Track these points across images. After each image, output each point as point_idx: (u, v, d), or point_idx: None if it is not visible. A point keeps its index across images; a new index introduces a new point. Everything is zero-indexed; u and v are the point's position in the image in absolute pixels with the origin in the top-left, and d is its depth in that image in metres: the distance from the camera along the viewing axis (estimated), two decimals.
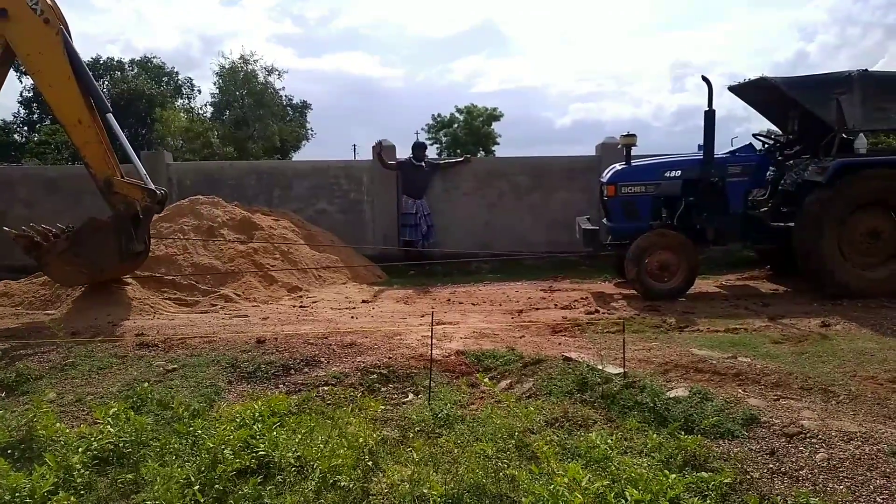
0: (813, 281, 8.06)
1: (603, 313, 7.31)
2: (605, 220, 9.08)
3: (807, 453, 3.44)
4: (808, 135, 8.64)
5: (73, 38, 7.06)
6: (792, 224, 8.06)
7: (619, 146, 8.93)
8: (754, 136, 9.15)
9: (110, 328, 6.53)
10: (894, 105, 8.02)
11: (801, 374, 4.58)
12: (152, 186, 7.12)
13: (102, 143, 7.09)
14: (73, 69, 6.89)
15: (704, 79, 8.02)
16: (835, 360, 4.97)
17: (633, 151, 8.93)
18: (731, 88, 9.15)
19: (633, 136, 8.81)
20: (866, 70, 7.98)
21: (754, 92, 9.09)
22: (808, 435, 3.60)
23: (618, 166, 8.91)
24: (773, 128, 10.02)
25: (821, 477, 3.24)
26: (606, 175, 8.94)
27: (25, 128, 37.56)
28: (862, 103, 7.88)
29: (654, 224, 8.49)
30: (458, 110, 38.84)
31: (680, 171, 8.47)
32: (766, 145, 9.09)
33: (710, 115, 8.13)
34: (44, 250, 7.03)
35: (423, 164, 12.40)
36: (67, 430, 3.85)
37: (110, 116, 7.21)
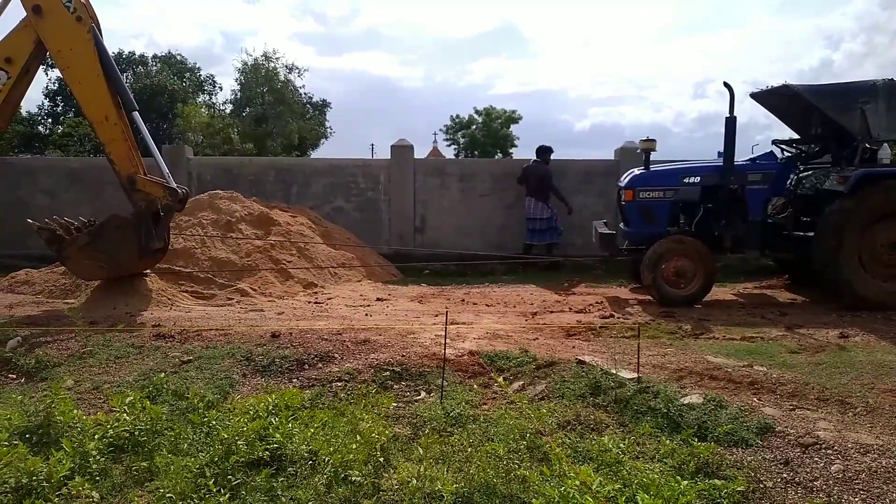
0: (831, 291, 7.95)
1: (618, 318, 7.27)
2: (622, 225, 9.03)
3: (822, 464, 3.40)
4: (831, 144, 8.54)
5: (102, 34, 7.17)
6: (811, 234, 7.95)
7: (639, 151, 8.89)
8: (774, 143, 9.05)
9: (128, 318, 6.61)
10: None
11: (818, 385, 4.53)
12: (174, 185, 7.21)
13: (127, 141, 7.19)
14: (102, 67, 7.00)
15: (726, 85, 7.96)
16: (853, 371, 4.90)
17: (652, 156, 8.88)
18: (754, 95, 9.05)
19: (653, 140, 8.75)
20: (892, 79, 7.88)
21: (776, 99, 8.99)
22: (823, 446, 3.56)
23: (636, 171, 8.86)
24: (795, 136, 9.91)
25: (836, 489, 3.20)
26: (625, 179, 8.89)
27: (50, 120, 38.11)
28: (887, 113, 7.78)
29: (672, 230, 8.43)
30: (477, 112, 38.89)
31: (699, 178, 8.40)
32: (787, 154, 9.00)
33: (730, 122, 8.06)
34: (65, 244, 7.14)
35: (547, 166, 12.16)
36: (84, 417, 3.91)
37: (136, 114, 7.31)
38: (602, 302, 8.34)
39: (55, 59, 7.07)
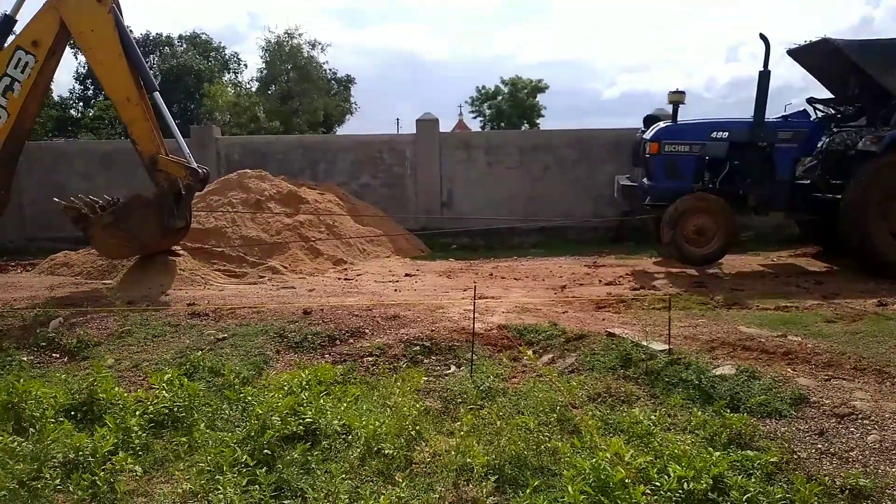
0: (856, 257, 7.73)
1: (648, 290, 7.21)
2: (644, 180, 8.78)
3: (858, 434, 3.36)
4: (867, 104, 8.24)
5: (123, 14, 7.23)
6: (840, 196, 7.68)
7: (669, 102, 8.64)
8: (809, 101, 8.72)
9: (163, 298, 6.76)
10: None
11: (855, 354, 4.45)
12: (195, 165, 7.29)
13: (149, 121, 7.27)
14: (122, 47, 7.06)
15: (762, 36, 7.67)
16: (891, 340, 4.79)
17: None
18: (791, 52, 8.71)
19: (682, 93, 8.51)
20: None
21: (814, 57, 8.63)
22: (859, 416, 3.51)
23: (662, 123, 8.63)
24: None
25: (872, 459, 3.16)
26: (650, 132, 8.64)
27: (81, 103, 38.70)
28: None
29: (696, 186, 8.21)
30: (503, 82, 38.34)
31: (727, 133, 8.17)
32: (821, 113, 8.69)
33: (764, 76, 7.82)
34: (90, 222, 7.28)
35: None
36: (125, 395, 4.03)
37: (157, 95, 7.38)
38: (632, 274, 8.27)
39: (77, 41, 7.15)
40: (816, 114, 8.67)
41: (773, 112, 8.27)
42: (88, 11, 6.98)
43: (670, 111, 8.76)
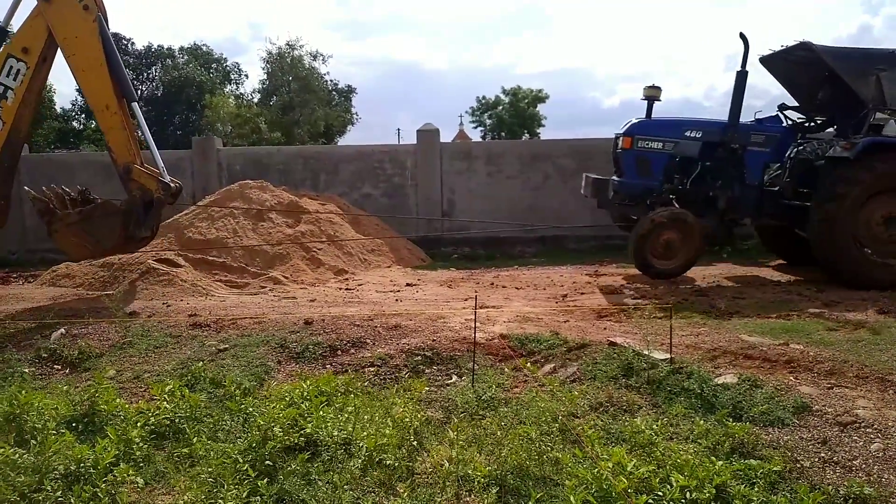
0: (826, 264, 7.70)
1: (650, 298, 7.20)
2: (615, 177, 8.67)
3: (861, 443, 3.35)
4: (837, 113, 8.26)
5: (108, 23, 7.25)
6: (808, 203, 7.66)
7: (644, 97, 8.54)
8: (780, 108, 8.66)
9: (165, 309, 6.76)
10: None
11: (857, 363, 4.44)
12: (167, 179, 7.31)
13: (126, 130, 7.28)
14: (105, 56, 7.09)
15: (742, 36, 7.68)
16: (893, 348, 4.78)
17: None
18: (763, 59, 8.66)
19: (658, 88, 8.46)
20: None
21: (786, 64, 8.60)
22: (862, 424, 3.50)
23: (635, 119, 8.56)
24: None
25: (875, 467, 3.15)
26: (623, 126, 8.56)
27: (83, 115, 38.87)
28: None
29: (667, 187, 8.19)
30: (504, 92, 38.53)
31: (701, 133, 8.14)
32: (792, 121, 8.67)
33: (741, 77, 7.82)
34: (55, 218, 7.28)
35: None
36: (127, 406, 4.03)
37: (135, 105, 7.40)
38: (633, 282, 8.26)
39: (61, 46, 7.16)
40: (787, 121, 8.67)
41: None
42: (73, 18, 7.00)
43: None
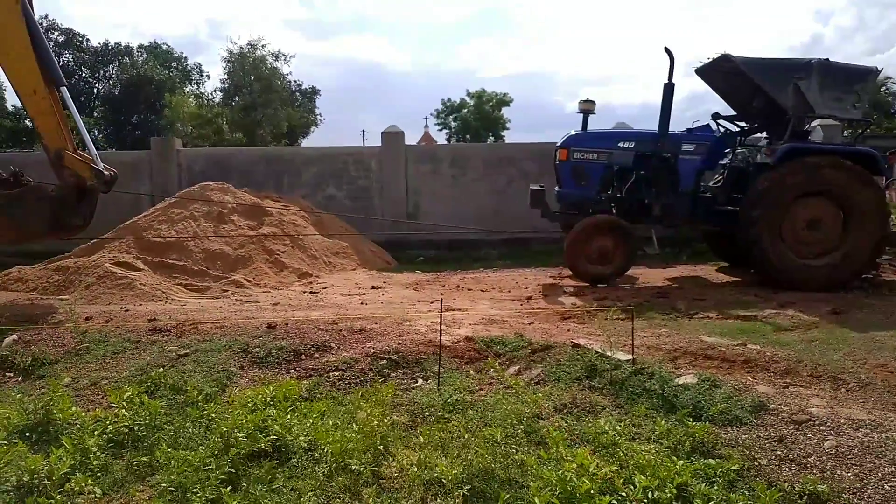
0: (755, 266, 8.05)
1: (612, 300, 7.31)
2: (555, 187, 9.03)
3: (815, 440, 3.46)
4: (769, 121, 8.60)
5: (34, 9, 7.03)
6: (739, 207, 8.00)
7: (579, 111, 8.88)
8: (713, 117, 9.00)
9: (123, 313, 6.60)
10: (850, 96, 7.98)
11: (811, 362, 4.58)
12: (101, 167, 7.09)
13: (56, 115, 7.05)
14: (31, 39, 6.86)
15: (666, 50, 7.96)
16: (845, 347, 4.96)
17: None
18: (698, 71, 8.95)
19: (592, 102, 8.77)
20: (826, 59, 7.95)
21: (718, 75, 8.91)
22: (816, 422, 3.61)
23: (573, 131, 8.86)
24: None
25: (829, 464, 3.25)
26: (560, 139, 8.91)
27: None
28: (820, 90, 7.82)
29: (603, 195, 8.54)
30: (469, 94, 38.67)
31: (633, 143, 8.48)
32: (724, 129, 8.99)
33: (668, 89, 8.13)
34: None
35: None
36: (83, 414, 3.92)
37: (64, 90, 7.17)
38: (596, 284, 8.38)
39: None
40: (719, 129, 8.96)
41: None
42: None
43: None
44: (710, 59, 8.52)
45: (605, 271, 8.19)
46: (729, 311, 6.40)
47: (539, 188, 8.98)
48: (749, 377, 4.35)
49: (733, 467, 3.14)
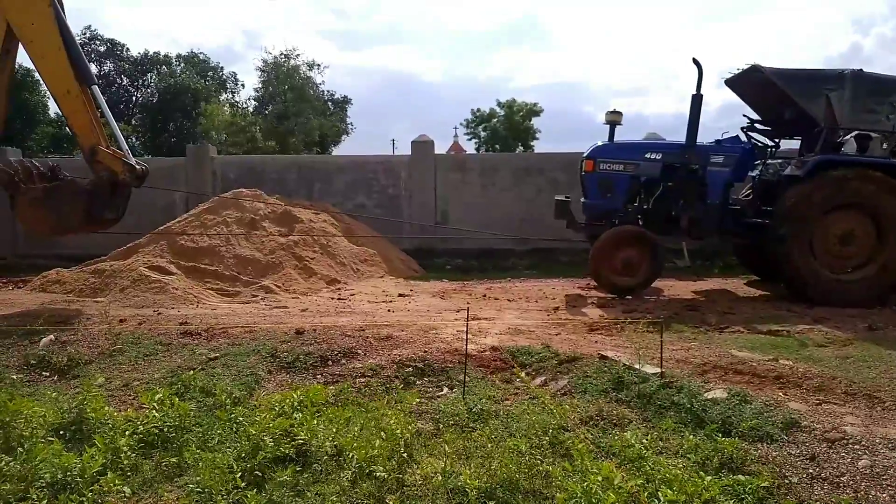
0: (785, 280, 7.86)
1: (640, 312, 7.23)
2: (581, 198, 8.95)
3: (849, 459, 3.37)
4: (804, 132, 8.41)
5: (65, 12, 7.21)
6: (768, 221, 7.84)
7: (606, 122, 8.80)
8: (743, 129, 8.86)
9: (155, 316, 6.73)
10: (884, 108, 7.75)
11: (846, 379, 4.47)
12: (133, 161, 7.30)
13: (89, 113, 7.27)
14: (63, 41, 7.08)
15: (695, 61, 7.86)
16: (881, 364, 4.83)
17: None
18: (727, 82, 8.81)
19: (619, 113, 8.69)
20: (860, 70, 7.73)
21: (749, 86, 8.75)
22: (850, 441, 3.52)
23: (599, 142, 8.79)
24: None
25: (863, 484, 3.16)
26: (586, 150, 8.83)
27: None
28: (851, 102, 7.63)
29: (630, 207, 8.44)
30: (499, 104, 38.66)
31: (661, 154, 8.36)
32: (755, 141, 8.84)
33: (696, 100, 8.02)
34: (20, 191, 7.24)
35: None
36: (115, 414, 4.00)
37: (95, 88, 7.41)
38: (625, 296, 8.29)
39: (19, 36, 7.16)
40: (750, 142, 8.79)
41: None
42: (28, 5, 7.01)
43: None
44: (740, 70, 8.40)
45: (631, 282, 8.12)
46: (760, 326, 6.28)
47: (564, 199, 8.94)
48: (781, 393, 4.26)
49: (763, 484, 3.07)
